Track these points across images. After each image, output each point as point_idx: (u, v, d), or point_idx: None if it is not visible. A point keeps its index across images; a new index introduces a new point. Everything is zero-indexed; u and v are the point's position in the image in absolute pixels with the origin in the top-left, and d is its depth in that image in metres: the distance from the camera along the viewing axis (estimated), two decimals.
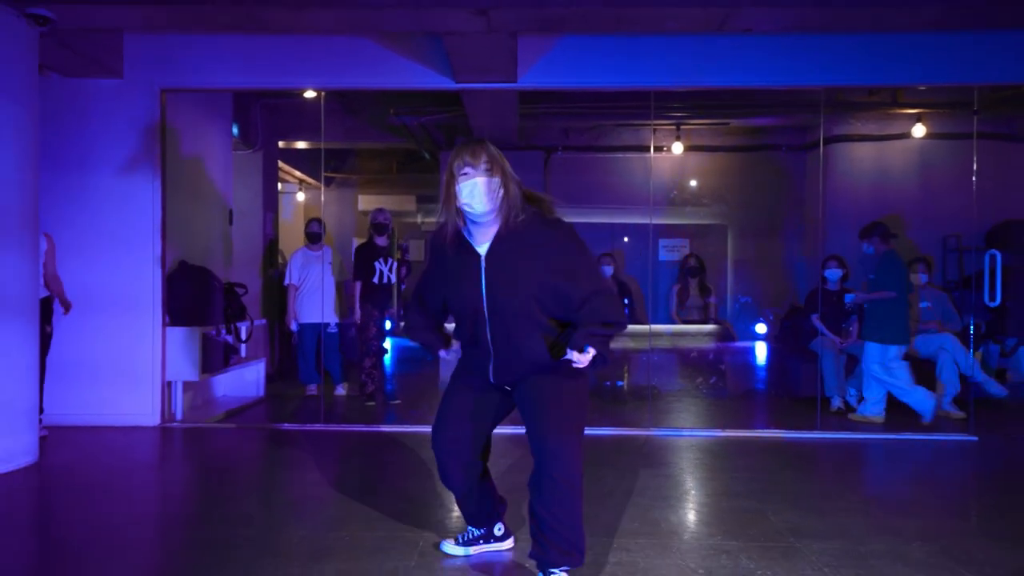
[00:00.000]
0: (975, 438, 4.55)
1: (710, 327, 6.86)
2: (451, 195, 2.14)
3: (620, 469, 3.71)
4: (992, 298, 4.63)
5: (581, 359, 2.08)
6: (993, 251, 4.65)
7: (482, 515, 2.51)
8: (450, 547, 2.55)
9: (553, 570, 2.14)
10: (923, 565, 2.47)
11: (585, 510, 2.20)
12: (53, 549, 2.69)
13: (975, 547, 2.66)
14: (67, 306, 4.37)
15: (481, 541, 2.55)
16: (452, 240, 2.22)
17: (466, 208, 2.12)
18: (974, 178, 4.80)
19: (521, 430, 2.29)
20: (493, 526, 2.56)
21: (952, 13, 3.41)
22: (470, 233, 2.21)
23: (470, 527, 2.57)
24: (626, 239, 7.29)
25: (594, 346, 2.09)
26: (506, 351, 2.21)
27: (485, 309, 2.18)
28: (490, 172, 2.09)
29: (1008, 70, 4.37)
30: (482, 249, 2.18)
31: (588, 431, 2.31)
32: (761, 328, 7.20)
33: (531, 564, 2.28)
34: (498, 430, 2.45)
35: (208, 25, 3.90)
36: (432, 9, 3.55)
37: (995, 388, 5.43)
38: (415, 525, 2.85)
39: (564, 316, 2.19)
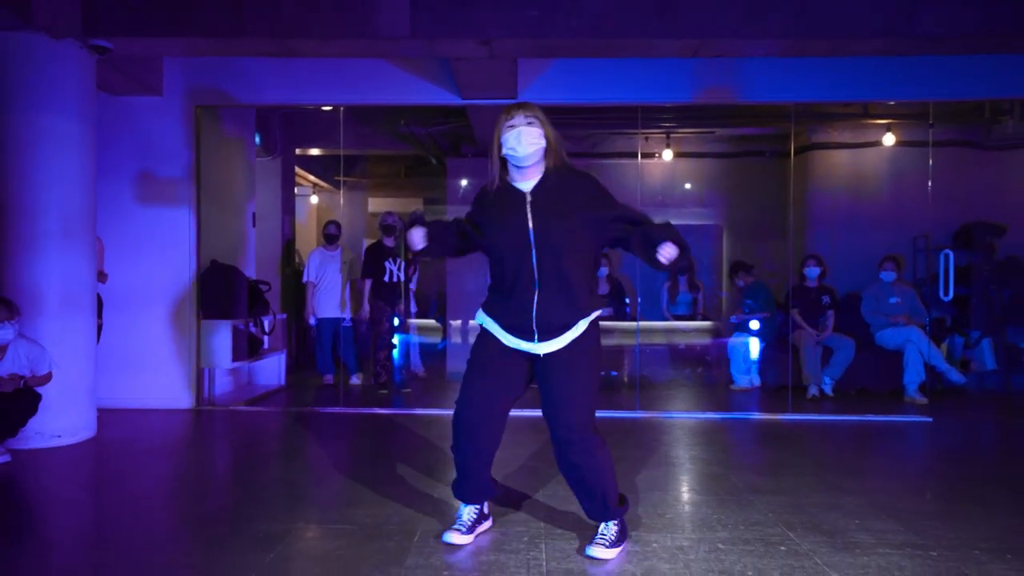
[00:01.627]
0: (930, 419, 5.05)
1: (699, 322, 7.35)
2: (496, 146, 2.44)
3: (609, 444, 4.21)
4: (946, 293, 5.12)
5: (666, 253, 2.29)
6: (947, 251, 5.14)
7: (478, 491, 2.64)
8: (454, 536, 2.59)
9: (605, 523, 2.52)
10: (851, 512, 2.98)
11: None
12: (115, 511, 3.19)
13: (898, 499, 3.16)
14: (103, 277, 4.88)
15: (474, 524, 2.64)
16: (495, 188, 2.48)
17: (510, 153, 2.40)
18: (930, 183, 5.30)
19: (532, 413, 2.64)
20: (483, 504, 2.69)
21: (895, 44, 3.91)
22: (513, 180, 2.48)
23: (461, 508, 2.66)
24: None
25: (674, 242, 2.30)
26: (553, 286, 2.38)
27: (533, 243, 2.37)
28: (531, 123, 2.39)
29: (957, 88, 4.89)
30: (526, 187, 2.45)
31: None
32: (755, 324, 7.68)
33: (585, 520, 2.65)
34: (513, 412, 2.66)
35: (243, 52, 4.41)
36: (442, 40, 4.06)
37: (955, 376, 5.91)
38: (429, 483, 3.35)
39: (612, 241, 2.46)
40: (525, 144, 2.39)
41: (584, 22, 3.93)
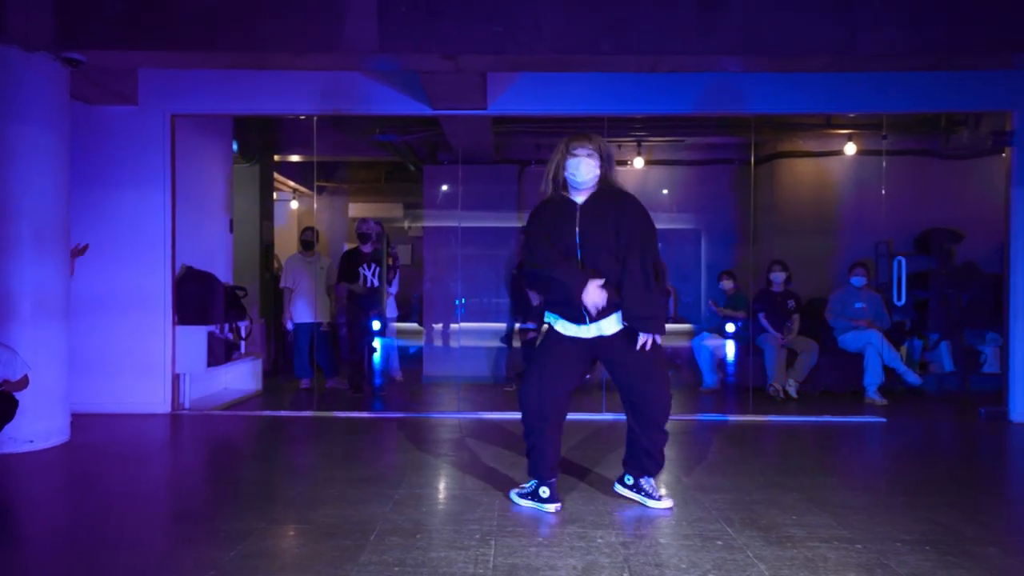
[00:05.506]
0: (884, 419, 5.23)
1: (669, 325, 7.51)
2: (555, 167, 3.07)
3: (571, 445, 4.36)
4: (899, 298, 5.31)
5: (644, 341, 3.01)
6: (899, 258, 5.34)
7: (545, 466, 3.11)
8: (514, 496, 3.23)
9: (649, 477, 3.20)
10: (788, 508, 3.14)
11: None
12: (86, 513, 3.30)
13: (834, 495, 3.33)
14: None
15: (530, 498, 3.14)
16: (554, 202, 3.09)
17: (571, 178, 3.03)
18: (883, 191, 5.49)
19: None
20: (547, 481, 3.11)
21: (838, 62, 4.09)
22: (570, 194, 3.09)
23: (532, 480, 3.16)
24: None
25: (644, 330, 2.99)
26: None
27: (578, 248, 3.01)
28: (591, 156, 3.01)
29: (906, 101, 5.10)
30: (579, 199, 3.07)
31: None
32: (730, 327, 7.87)
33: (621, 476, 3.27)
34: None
35: (217, 65, 4.53)
36: (409, 54, 4.19)
37: (912, 377, 6.11)
38: (391, 484, 3.49)
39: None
40: (584, 172, 3.02)
41: (544, 39, 4.08)
